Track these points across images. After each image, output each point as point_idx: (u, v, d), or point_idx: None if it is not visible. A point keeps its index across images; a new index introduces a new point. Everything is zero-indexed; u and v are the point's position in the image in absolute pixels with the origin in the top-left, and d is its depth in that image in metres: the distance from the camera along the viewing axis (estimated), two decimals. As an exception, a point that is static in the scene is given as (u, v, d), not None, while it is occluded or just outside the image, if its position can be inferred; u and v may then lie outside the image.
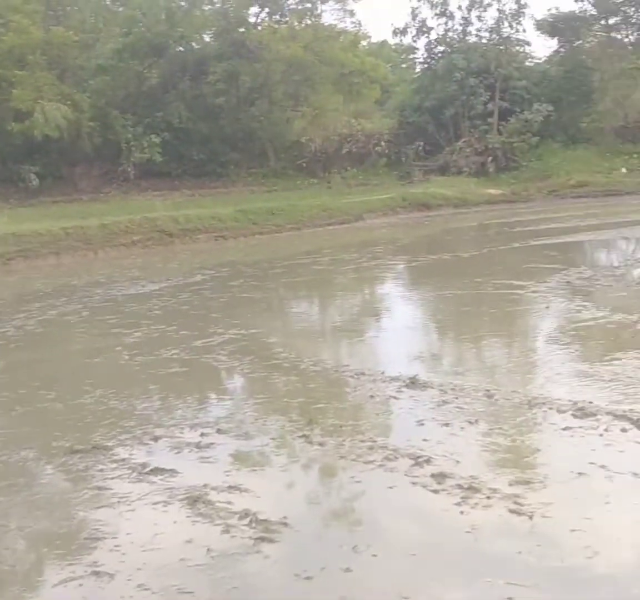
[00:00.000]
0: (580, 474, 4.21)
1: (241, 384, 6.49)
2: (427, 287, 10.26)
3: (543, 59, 26.62)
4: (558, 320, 8.08)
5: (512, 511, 3.81)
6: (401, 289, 10.78)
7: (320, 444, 4.77)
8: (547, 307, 8.36)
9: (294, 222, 17.22)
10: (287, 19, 24.61)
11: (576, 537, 3.58)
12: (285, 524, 3.78)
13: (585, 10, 26.17)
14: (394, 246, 14.57)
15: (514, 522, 3.73)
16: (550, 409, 5.17)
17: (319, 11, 25.01)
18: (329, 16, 25.77)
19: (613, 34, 26.14)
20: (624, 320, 7.46)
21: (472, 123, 22.72)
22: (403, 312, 9.23)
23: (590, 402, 5.19)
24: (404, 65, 33.27)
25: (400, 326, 8.41)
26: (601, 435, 4.70)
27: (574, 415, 5.02)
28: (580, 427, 4.85)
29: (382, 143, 23.85)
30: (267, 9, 24.71)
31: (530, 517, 3.75)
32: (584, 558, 3.45)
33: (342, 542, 3.65)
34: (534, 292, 8.96)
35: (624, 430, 4.75)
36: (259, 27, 23.86)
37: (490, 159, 21.91)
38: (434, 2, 23.43)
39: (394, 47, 32.67)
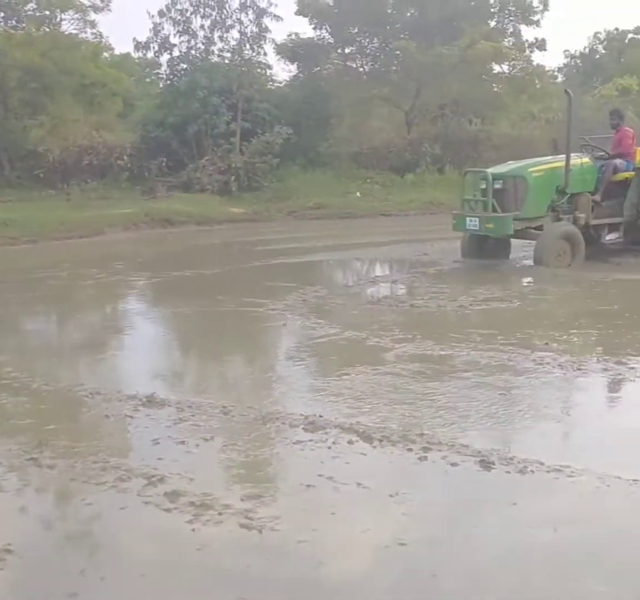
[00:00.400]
0: (308, 486, 4.37)
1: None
2: (169, 304, 10.22)
3: (284, 83, 27.44)
4: (294, 338, 8.34)
5: (242, 526, 3.89)
6: (143, 306, 10.66)
7: (50, 467, 4.63)
8: (284, 325, 8.60)
9: (30, 235, 16.51)
10: (24, 25, 23.68)
11: (302, 548, 3.72)
12: (9, 551, 3.63)
13: (324, 38, 27.27)
14: (136, 262, 14.39)
15: (244, 536, 3.81)
16: (283, 423, 5.33)
17: (58, 19, 24.27)
18: (68, 25, 25.04)
19: (349, 63, 27.45)
20: (354, 337, 7.83)
21: (215, 141, 22.91)
22: (144, 329, 9.13)
23: (321, 416, 5.41)
24: (148, 80, 33.01)
25: (140, 344, 8.32)
26: (329, 447, 4.91)
27: (305, 429, 5.21)
28: (311, 440, 5.03)
29: (125, 157, 23.47)
30: (2, 14, 23.67)
31: (260, 531, 3.84)
32: (309, 569, 3.58)
33: (71, 566, 3.56)
34: (272, 309, 9.18)
35: (350, 442, 4.99)
36: (-6, 32, 22.80)
37: (233, 178, 22.19)
38: (177, 20, 23.42)
39: (137, 60, 32.29)
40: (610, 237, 12.33)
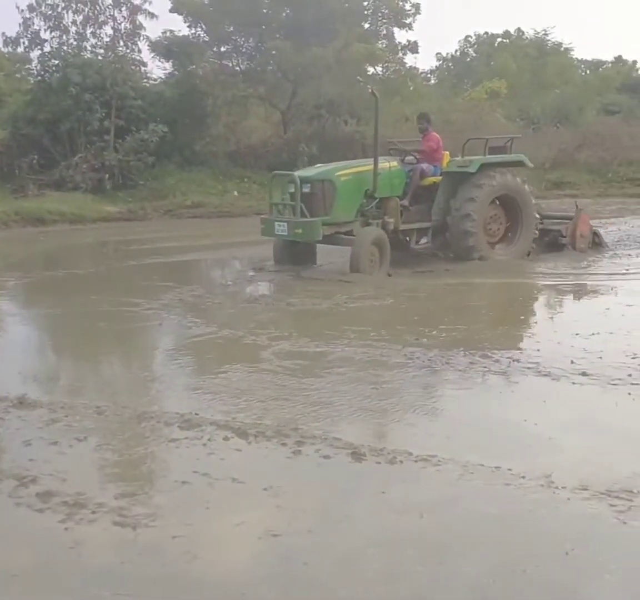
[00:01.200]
0: (184, 482, 4.42)
1: None
2: (42, 304, 10.02)
3: (159, 80, 27.15)
4: (170, 337, 8.34)
5: (116, 523, 3.91)
6: (14, 307, 10.41)
7: None
8: (160, 324, 8.58)
9: None
10: None
11: (177, 543, 3.77)
12: None
13: (199, 36, 27.13)
14: (6, 262, 14.02)
15: (118, 534, 3.83)
16: (158, 422, 5.36)
17: None
18: None
19: (225, 61, 27.37)
20: (231, 336, 7.89)
21: (88, 139, 22.47)
22: (15, 330, 8.94)
23: (196, 414, 5.46)
24: (18, 75, 32.09)
25: (11, 345, 8.15)
26: (205, 444, 4.97)
27: (181, 427, 5.25)
28: (186, 438, 5.08)
29: (-7, 154, 22.78)
30: None
31: (134, 528, 3.87)
32: (184, 563, 3.63)
33: (-61, 571, 3.51)
34: (148, 309, 9.14)
35: (226, 438, 5.05)
36: None
37: (107, 176, 21.83)
38: (47, 15, 22.88)
39: (7, 55, 31.37)
40: (422, 241, 12.20)
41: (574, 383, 6.24)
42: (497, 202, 12.45)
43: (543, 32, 40.19)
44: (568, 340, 7.47)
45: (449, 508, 4.15)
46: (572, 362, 6.71)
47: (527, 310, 9.72)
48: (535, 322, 9.02)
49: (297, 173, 11.43)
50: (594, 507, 4.09)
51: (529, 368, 6.62)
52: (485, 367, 6.69)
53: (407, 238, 12.10)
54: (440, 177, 12.23)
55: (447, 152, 12.52)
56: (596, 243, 13.71)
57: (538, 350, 7.16)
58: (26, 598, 3.33)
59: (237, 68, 27.93)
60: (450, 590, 3.37)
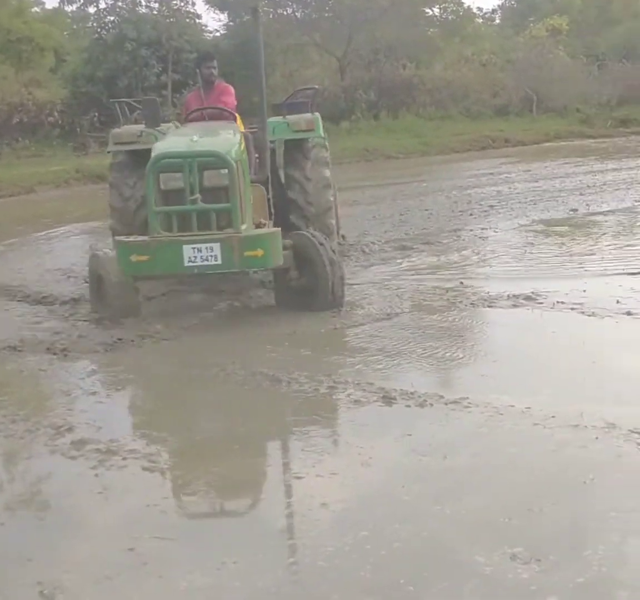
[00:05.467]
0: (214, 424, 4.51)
1: None
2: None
3: (215, 33, 27.12)
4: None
5: (145, 469, 4.03)
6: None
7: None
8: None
9: (-42, 196, 16.32)
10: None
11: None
12: None
13: (253, -15, 26.88)
14: (70, 216, 14.24)
15: (147, 478, 3.95)
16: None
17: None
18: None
19: (280, 10, 27.15)
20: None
21: (146, 95, 22.60)
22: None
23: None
24: (82, 34, 32.35)
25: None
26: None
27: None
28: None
29: (55, 113, 23.10)
30: None
31: (162, 473, 4.00)
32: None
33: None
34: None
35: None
36: None
37: (166, 131, 22.00)
38: (100, -29, 22.97)
39: (71, 14, 31.59)
40: None
41: (617, 322, 6.15)
42: None
43: (609, -36, 38.72)
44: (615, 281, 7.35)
45: (474, 449, 4.15)
46: (617, 302, 6.60)
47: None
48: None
49: (176, 149, 6.49)
50: (621, 446, 4.04)
51: (573, 309, 6.54)
52: (528, 308, 6.63)
53: None
54: None
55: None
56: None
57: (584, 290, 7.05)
58: (55, 543, 3.45)
59: (293, 16, 27.66)
60: (465, 529, 3.39)
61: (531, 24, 36.42)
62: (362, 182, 16.23)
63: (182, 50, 23.35)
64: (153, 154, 6.37)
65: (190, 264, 6.10)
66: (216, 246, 6.12)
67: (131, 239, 6.32)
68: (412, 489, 3.77)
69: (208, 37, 26.53)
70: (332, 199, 8.16)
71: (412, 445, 4.22)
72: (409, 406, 4.70)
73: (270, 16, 25.81)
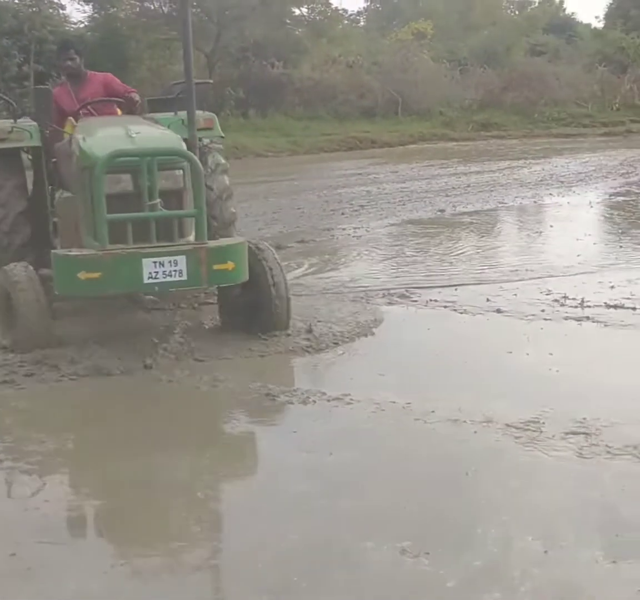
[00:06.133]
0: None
1: None
2: None
3: (79, 25, 26.45)
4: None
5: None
6: None
7: None
8: None
9: None
10: None
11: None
12: None
13: (119, -22, 26.42)
14: None
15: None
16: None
17: None
18: None
19: (146, 4, 26.70)
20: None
21: (7, 85, 21.84)
22: None
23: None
24: None
25: None
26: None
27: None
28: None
29: None
30: None
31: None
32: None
33: None
34: None
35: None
36: None
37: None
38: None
39: None
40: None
41: (488, 320, 6.36)
42: None
43: (470, -28, 39.99)
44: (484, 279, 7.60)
45: (359, 445, 4.20)
46: (487, 300, 6.83)
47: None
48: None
49: (128, 145, 5.53)
50: (499, 440, 4.18)
51: (445, 306, 6.73)
52: (402, 306, 6.78)
53: None
54: None
55: None
56: None
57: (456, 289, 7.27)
58: None
59: (160, 10, 27.28)
60: (354, 524, 3.43)
61: (395, 28, 37.21)
62: (233, 179, 16.01)
63: (45, 40, 22.66)
64: (100, 152, 5.30)
65: (151, 280, 5.18)
66: (181, 259, 5.22)
67: (77, 252, 5.27)
68: (299, 485, 3.79)
69: (71, 29, 25.83)
70: (234, 211, 7.34)
71: (297, 442, 4.24)
72: (292, 403, 4.72)
73: (137, 9, 25.40)
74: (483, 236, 10.41)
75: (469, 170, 17.85)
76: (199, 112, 6.31)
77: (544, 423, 4.32)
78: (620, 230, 10.42)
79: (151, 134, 5.85)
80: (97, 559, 3.17)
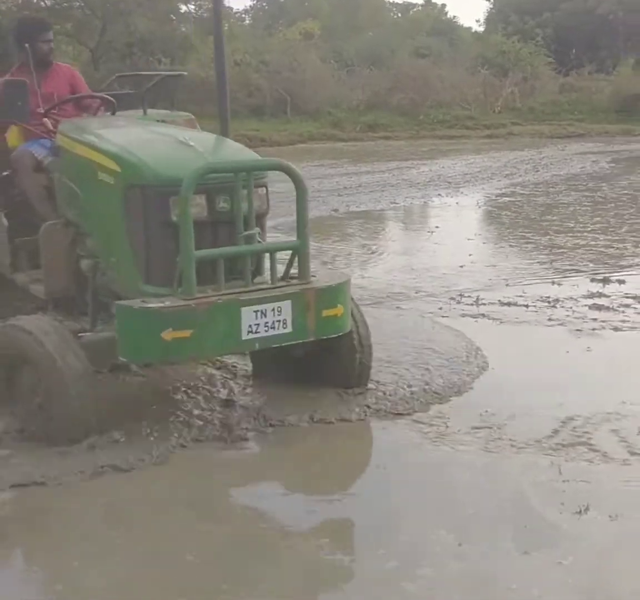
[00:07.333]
0: None
1: None
2: None
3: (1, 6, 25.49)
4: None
5: None
6: None
7: None
8: None
9: None
10: None
11: None
12: None
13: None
14: None
15: None
16: None
17: None
18: None
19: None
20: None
21: None
22: None
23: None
24: None
25: None
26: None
27: None
28: None
29: None
30: None
31: None
32: None
33: None
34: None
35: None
36: None
37: None
38: None
39: None
40: None
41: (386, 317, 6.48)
42: None
43: (355, -27, 40.51)
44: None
45: (270, 439, 4.22)
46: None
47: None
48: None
49: (218, 157, 4.40)
50: (408, 432, 4.28)
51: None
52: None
53: None
54: None
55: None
56: None
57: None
58: None
59: (42, 3, 26.60)
60: (271, 523, 3.45)
61: (282, 28, 37.31)
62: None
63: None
64: (165, 167, 4.09)
65: (251, 335, 3.99)
66: (286, 305, 4.08)
67: (161, 305, 3.87)
68: (212, 484, 3.79)
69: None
70: None
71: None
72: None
73: (19, 1, 24.65)
74: (377, 235, 10.56)
75: (359, 170, 18.04)
76: (178, 113, 5.74)
77: (449, 418, 4.44)
78: (508, 230, 10.75)
79: (211, 141, 4.65)
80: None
